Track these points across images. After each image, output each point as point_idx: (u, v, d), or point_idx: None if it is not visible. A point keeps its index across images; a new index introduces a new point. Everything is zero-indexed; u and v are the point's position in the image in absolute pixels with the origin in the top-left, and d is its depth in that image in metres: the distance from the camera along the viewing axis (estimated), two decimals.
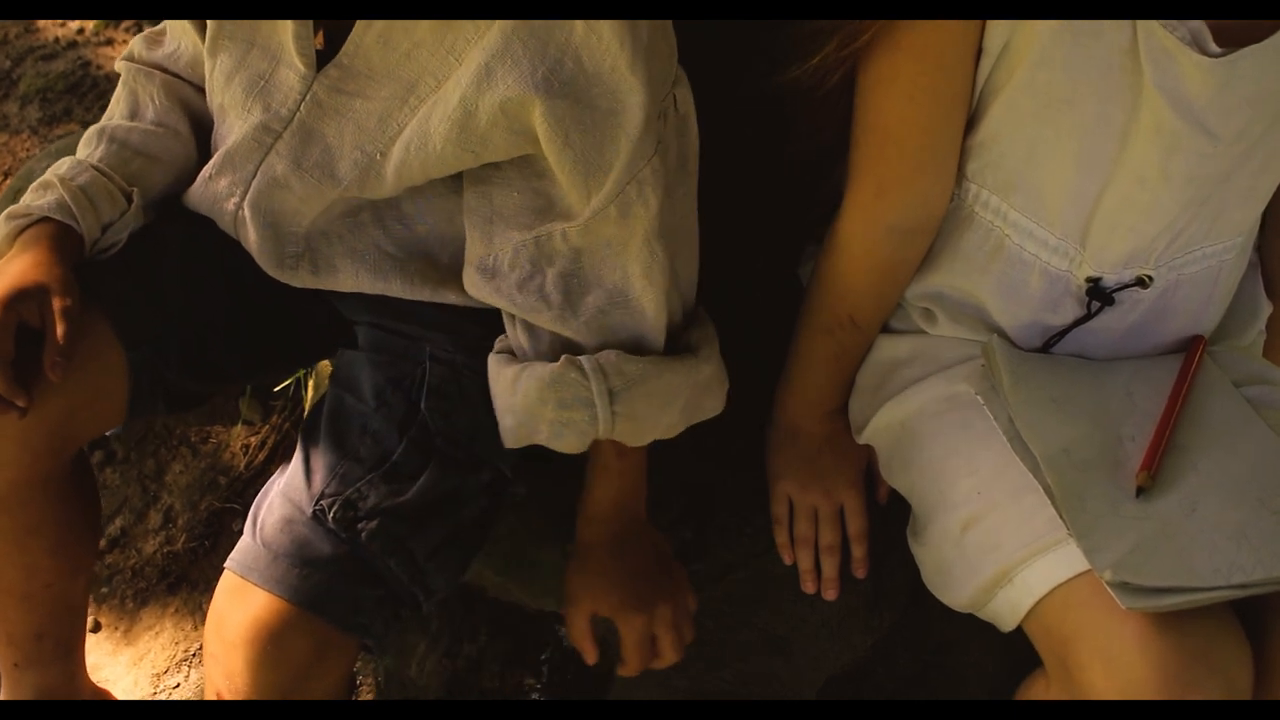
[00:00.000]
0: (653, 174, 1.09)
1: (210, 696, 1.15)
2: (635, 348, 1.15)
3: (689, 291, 1.21)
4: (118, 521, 1.77)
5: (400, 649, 1.54)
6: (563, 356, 1.14)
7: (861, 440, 1.30)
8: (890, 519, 1.37)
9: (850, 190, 1.13)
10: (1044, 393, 1.11)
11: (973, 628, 1.43)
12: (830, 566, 1.35)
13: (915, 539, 1.23)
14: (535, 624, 1.53)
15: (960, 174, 1.12)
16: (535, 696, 1.51)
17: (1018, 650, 1.24)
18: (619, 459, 1.22)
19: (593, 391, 1.13)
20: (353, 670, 1.19)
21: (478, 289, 1.16)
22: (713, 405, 1.23)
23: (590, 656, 1.27)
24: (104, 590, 1.71)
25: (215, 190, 1.24)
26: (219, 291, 1.29)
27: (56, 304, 1.12)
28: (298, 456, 1.18)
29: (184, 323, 1.26)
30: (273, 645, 1.10)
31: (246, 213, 1.22)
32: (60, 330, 1.11)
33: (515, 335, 1.18)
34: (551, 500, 1.44)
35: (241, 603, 1.12)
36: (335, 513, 1.12)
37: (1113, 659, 0.95)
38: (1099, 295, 1.12)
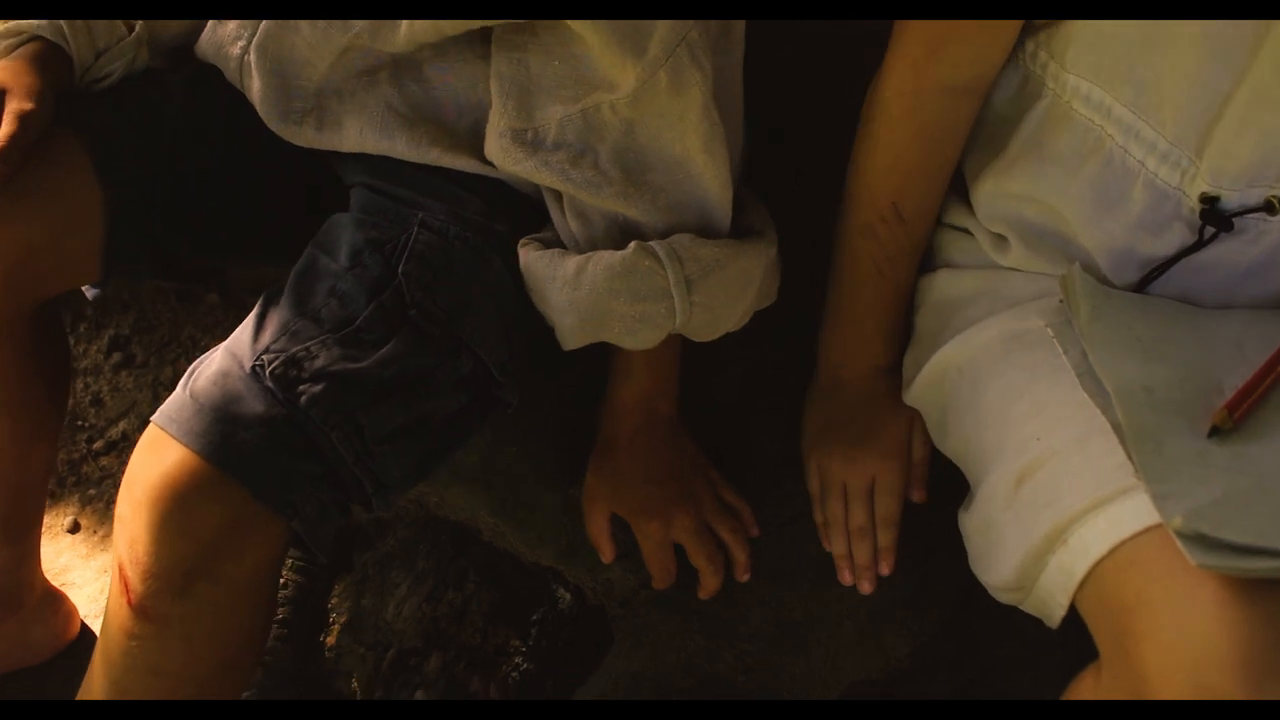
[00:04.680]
0: (701, 36, 0.98)
1: (114, 569, 1.00)
2: (702, 229, 1.05)
3: (735, 173, 1.08)
4: (121, 425, 1.65)
5: (381, 587, 1.39)
6: (632, 243, 1.02)
7: (910, 397, 1.10)
8: (942, 503, 1.17)
9: (895, 46, 0.97)
10: (1130, 332, 0.91)
11: (1034, 646, 1.22)
12: (862, 553, 1.16)
13: (964, 511, 1.03)
14: (530, 578, 1.36)
15: (1055, 63, 0.94)
16: (519, 660, 1.33)
17: None
18: (643, 351, 1.11)
19: (669, 280, 1.02)
20: (277, 561, 1.02)
21: (515, 161, 1.03)
22: (773, 292, 1.14)
23: (605, 555, 1.20)
24: (91, 492, 1.60)
25: (222, 35, 1.15)
26: (218, 145, 1.19)
27: (13, 105, 1.05)
28: (254, 312, 1.04)
29: (175, 171, 1.16)
30: (179, 509, 0.95)
31: (252, 57, 1.13)
32: (6, 130, 1.03)
33: (564, 222, 1.07)
34: (557, 433, 1.28)
35: (155, 457, 0.97)
36: (275, 368, 0.97)
37: (1181, 630, 0.73)
38: (1215, 219, 0.91)
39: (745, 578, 1.19)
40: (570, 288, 1.03)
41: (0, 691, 1.33)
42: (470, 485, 1.31)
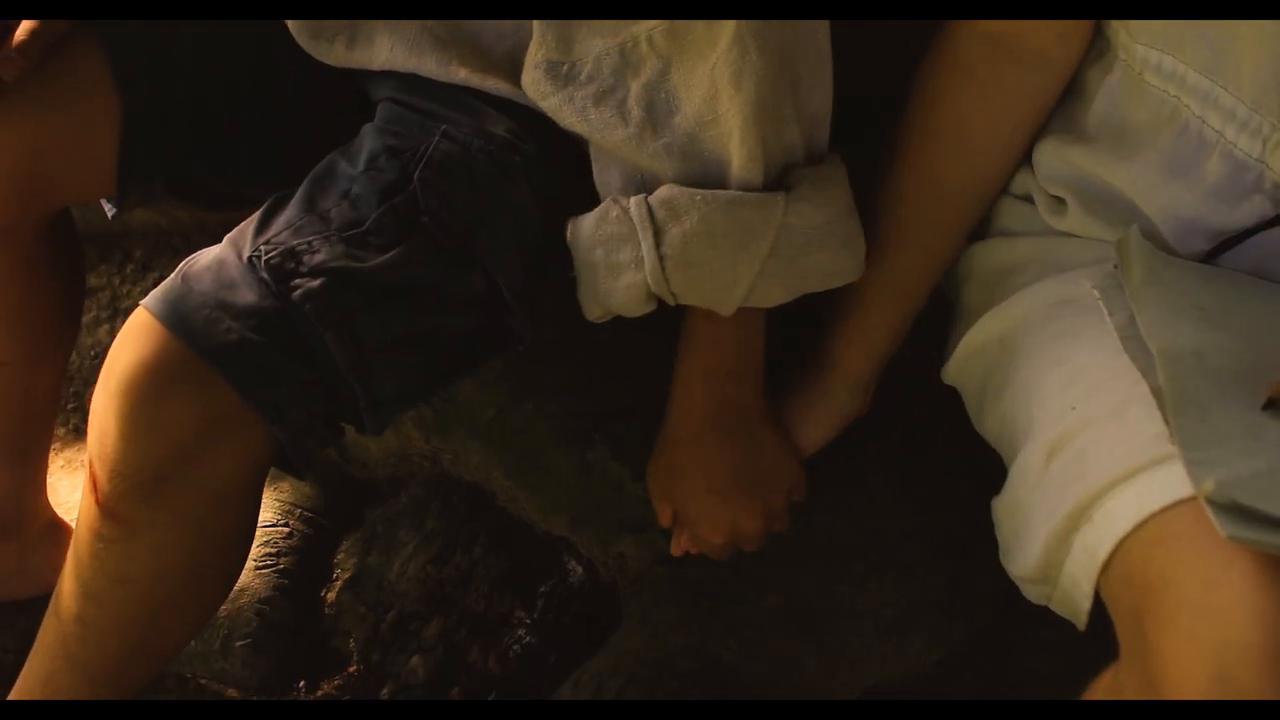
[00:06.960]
0: None
1: (86, 466, 0.95)
2: (722, 182, 0.93)
3: (818, 128, 0.96)
4: None
5: (388, 545, 1.33)
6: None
7: (948, 373, 1.02)
8: (981, 497, 1.07)
9: None
10: (1188, 300, 0.81)
11: (1074, 660, 1.11)
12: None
13: (997, 498, 0.94)
14: (542, 548, 1.29)
15: (1123, 31, 0.86)
16: (522, 633, 1.26)
17: None
18: (704, 321, 1.01)
19: (635, 226, 0.93)
20: (254, 475, 0.95)
21: (542, 95, 0.97)
22: (836, 266, 0.97)
23: (663, 519, 1.11)
24: None
25: None
26: (244, 61, 1.14)
27: None
28: (263, 208, 0.98)
29: (197, 87, 1.11)
30: (153, 401, 0.88)
31: None
32: (28, 24, 0.99)
33: (594, 170, 1.00)
34: (576, 392, 1.21)
35: (134, 341, 0.91)
36: (271, 258, 0.90)
37: (1203, 613, 0.64)
38: None
39: None
40: (573, 245, 0.98)
41: None
42: (485, 442, 1.25)
